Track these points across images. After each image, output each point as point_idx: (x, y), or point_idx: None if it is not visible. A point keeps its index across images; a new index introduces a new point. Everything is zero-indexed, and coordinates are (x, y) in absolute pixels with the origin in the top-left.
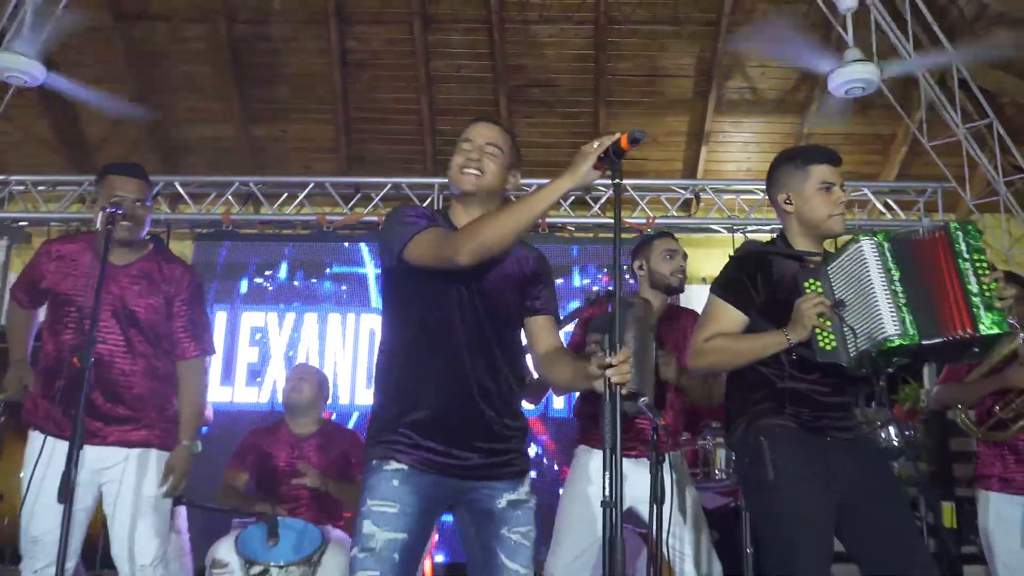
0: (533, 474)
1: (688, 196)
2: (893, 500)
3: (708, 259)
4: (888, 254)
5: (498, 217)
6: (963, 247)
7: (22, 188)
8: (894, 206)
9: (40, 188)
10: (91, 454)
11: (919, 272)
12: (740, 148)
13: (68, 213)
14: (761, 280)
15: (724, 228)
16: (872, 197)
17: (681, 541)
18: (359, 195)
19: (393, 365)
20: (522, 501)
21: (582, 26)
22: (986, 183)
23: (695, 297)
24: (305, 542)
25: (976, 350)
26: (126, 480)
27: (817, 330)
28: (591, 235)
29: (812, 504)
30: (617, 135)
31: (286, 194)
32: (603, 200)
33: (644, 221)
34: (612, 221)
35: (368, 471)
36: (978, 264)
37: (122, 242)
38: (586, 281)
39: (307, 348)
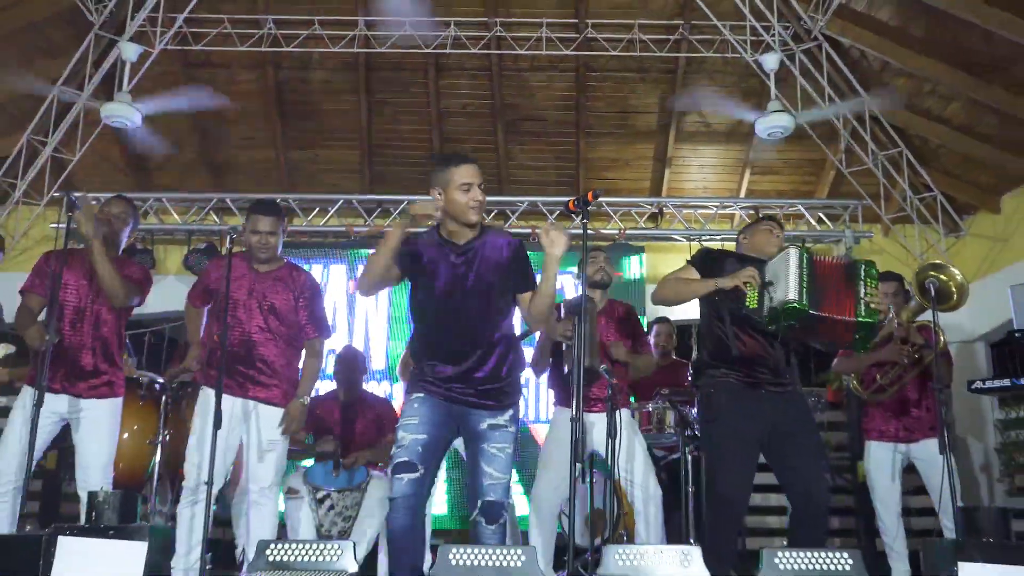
0: None
1: (654, 210)
2: (807, 437)
3: (670, 262)
4: (804, 260)
5: None
6: (862, 274)
7: (95, 203)
8: (825, 219)
9: None
10: (237, 404)
11: (818, 278)
12: (697, 170)
13: None
14: (713, 265)
15: (683, 237)
16: (806, 212)
17: (632, 473)
18: (380, 209)
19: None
20: (501, 425)
21: (565, 73)
22: (903, 197)
23: None
24: (355, 476)
25: (858, 336)
26: (258, 425)
27: (749, 292)
28: (574, 242)
29: (735, 430)
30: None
31: (318, 208)
32: None
33: (616, 232)
34: (592, 232)
35: (404, 405)
36: (870, 284)
37: (260, 260)
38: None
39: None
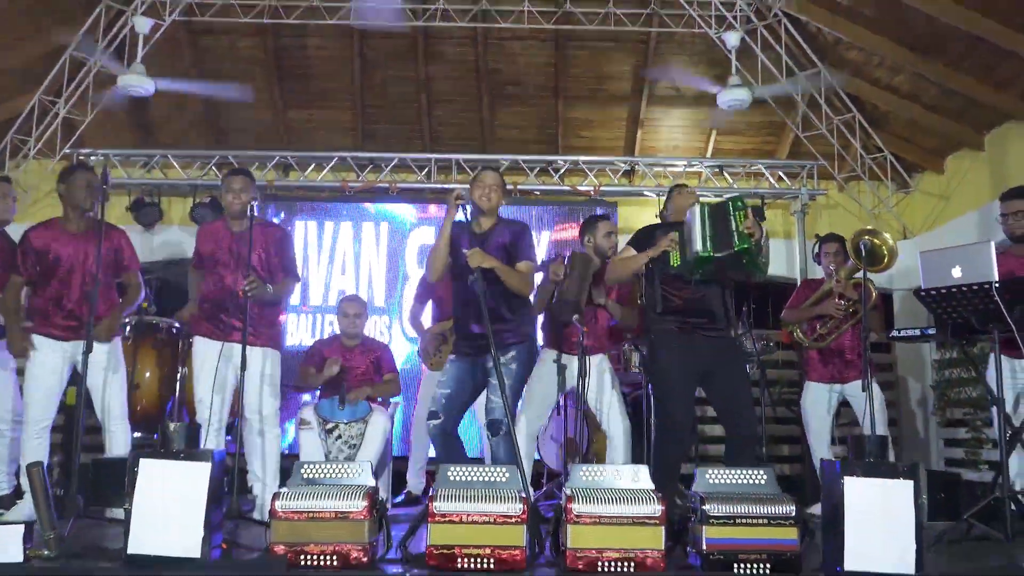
0: None
1: (627, 168)
2: (737, 375)
3: (641, 215)
4: (705, 213)
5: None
6: (730, 209)
7: (102, 159)
8: (784, 177)
9: (116, 158)
10: (224, 348)
11: (719, 222)
12: (667, 131)
13: (135, 179)
14: (646, 240)
15: (654, 193)
16: (766, 171)
17: (605, 405)
18: (371, 165)
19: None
20: (501, 364)
21: (545, 42)
22: (855, 158)
23: None
24: (359, 409)
25: (745, 261)
26: (255, 363)
27: (672, 254)
28: (553, 198)
29: (674, 372)
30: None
31: (314, 164)
32: (562, 171)
33: (592, 188)
34: (568, 188)
35: None
36: (739, 217)
37: (235, 216)
38: (545, 232)
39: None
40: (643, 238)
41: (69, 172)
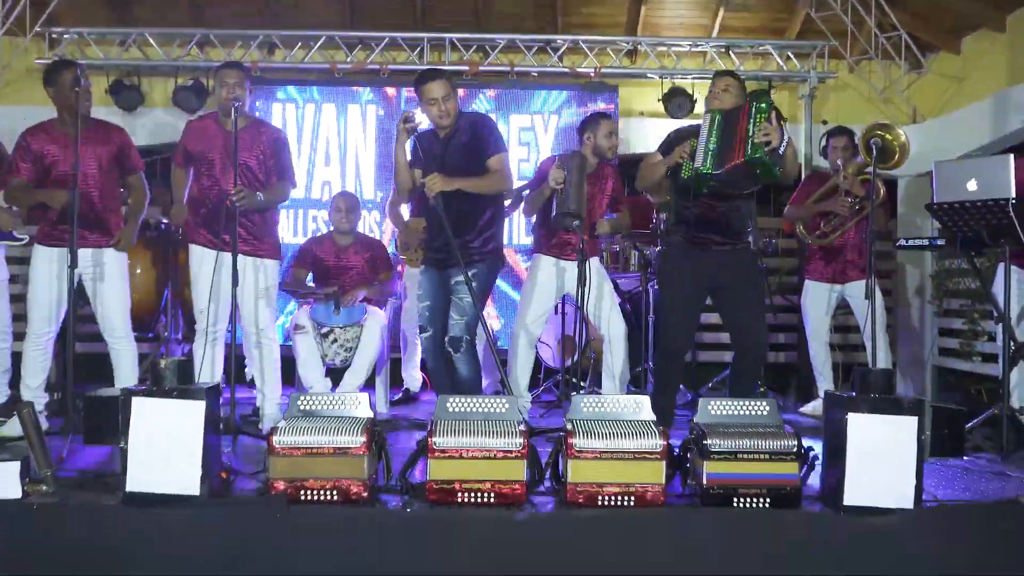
0: None
1: (629, 48)
2: (748, 293)
3: (643, 97)
4: (716, 123)
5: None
6: (753, 113)
7: (77, 37)
8: (792, 57)
9: (91, 37)
10: (229, 259)
11: (728, 132)
12: (672, 7)
13: (113, 60)
14: (674, 143)
15: (656, 74)
16: (774, 52)
17: (600, 310)
18: (361, 45)
19: None
20: (462, 281)
21: None
22: (868, 37)
23: (633, 127)
24: (354, 312)
25: (758, 172)
26: (251, 275)
27: (684, 164)
28: (551, 80)
29: (679, 285)
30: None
31: (300, 44)
32: (561, 51)
33: (592, 70)
34: (567, 71)
35: None
36: (759, 119)
37: (228, 113)
38: (554, 116)
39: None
40: (672, 142)
41: (55, 72)
